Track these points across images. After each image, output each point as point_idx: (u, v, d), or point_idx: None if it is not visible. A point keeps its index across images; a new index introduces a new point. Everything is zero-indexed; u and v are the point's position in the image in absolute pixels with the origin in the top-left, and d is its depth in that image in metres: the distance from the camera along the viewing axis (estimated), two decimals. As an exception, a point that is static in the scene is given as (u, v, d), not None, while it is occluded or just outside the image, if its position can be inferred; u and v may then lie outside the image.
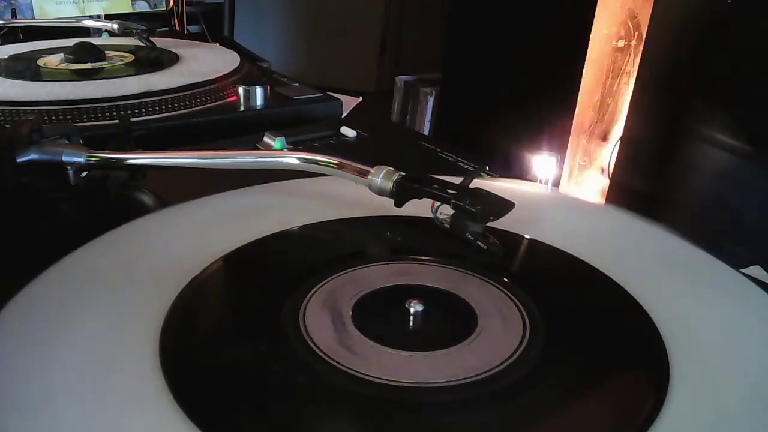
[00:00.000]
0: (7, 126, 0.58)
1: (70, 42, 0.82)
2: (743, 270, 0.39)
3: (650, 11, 1.20)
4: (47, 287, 0.34)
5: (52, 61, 0.79)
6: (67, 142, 0.46)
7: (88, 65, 0.78)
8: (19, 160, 0.43)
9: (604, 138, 1.43)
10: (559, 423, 0.28)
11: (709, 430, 0.27)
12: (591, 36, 1.34)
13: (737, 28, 1.03)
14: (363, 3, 2.75)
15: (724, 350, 0.32)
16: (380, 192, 0.40)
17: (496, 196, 0.37)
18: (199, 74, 0.73)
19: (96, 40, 0.87)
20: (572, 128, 1.43)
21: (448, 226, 0.38)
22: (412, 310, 0.33)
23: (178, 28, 1.32)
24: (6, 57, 0.81)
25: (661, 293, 0.36)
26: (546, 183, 0.56)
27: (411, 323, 0.33)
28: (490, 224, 0.37)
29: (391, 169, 0.40)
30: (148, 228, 0.41)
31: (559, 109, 1.43)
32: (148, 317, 0.31)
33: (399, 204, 0.40)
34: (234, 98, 0.72)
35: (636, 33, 1.32)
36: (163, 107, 0.66)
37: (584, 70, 1.37)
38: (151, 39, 0.89)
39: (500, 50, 1.63)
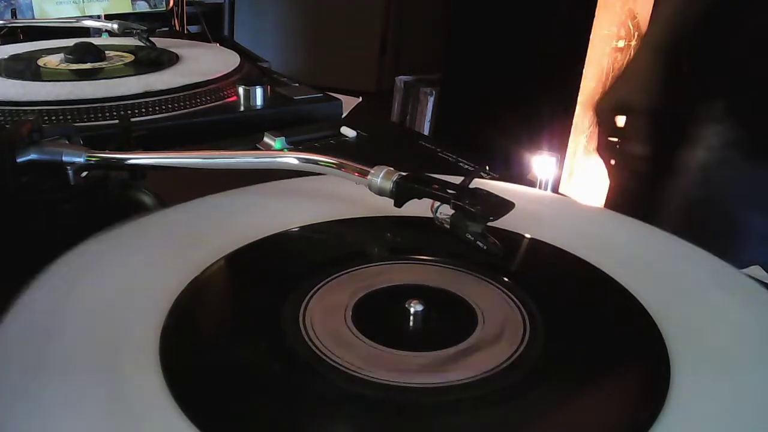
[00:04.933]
0: (7, 126, 0.58)
1: (70, 42, 0.82)
2: (743, 270, 0.39)
3: (650, 11, 1.20)
4: (47, 288, 0.34)
5: (52, 61, 0.79)
6: (67, 142, 0.46)
7: (88, 65, 0.78)
8: (19, 160, 0.43)
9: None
10: (559, 423, 0.28)
11: (710, 430, 0.27)
12: (591, 36, 1.34)
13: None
14: (363, 3, 2.75)
15: (725, 350, 0.32)
16: (380, 192, 0.40)
17: (496, 196, 0.37)
18: (200, 74, 0.73)
19: (96, 40, 0.86)
20: (572, 128, 1.43)
21: (447, 226, 0.38)
22: (412, 310, 0.33)
23: (178, 28, 1.32)
24: (6, 57, 0.81)
25: (662, 292, 0.36)
26: (546, 183, 0.56)
27: (411, 323, 0.33)
28: (490, 224, 0.37)
29: (391, 169, 0.40)
30: (148, 228, 0.41)
31: (559, 109, 1.43)
32: (149, 318, 0.32)
33: (399, 204, 0.40)
34: (234, 98, 0.72)
35: (636, 33, 1.32)
36: (163, 107, 0.66)
37: (584, 70, 1.37)
38: (151, 39, 0.89)
39: (500, 50, 1.63)
